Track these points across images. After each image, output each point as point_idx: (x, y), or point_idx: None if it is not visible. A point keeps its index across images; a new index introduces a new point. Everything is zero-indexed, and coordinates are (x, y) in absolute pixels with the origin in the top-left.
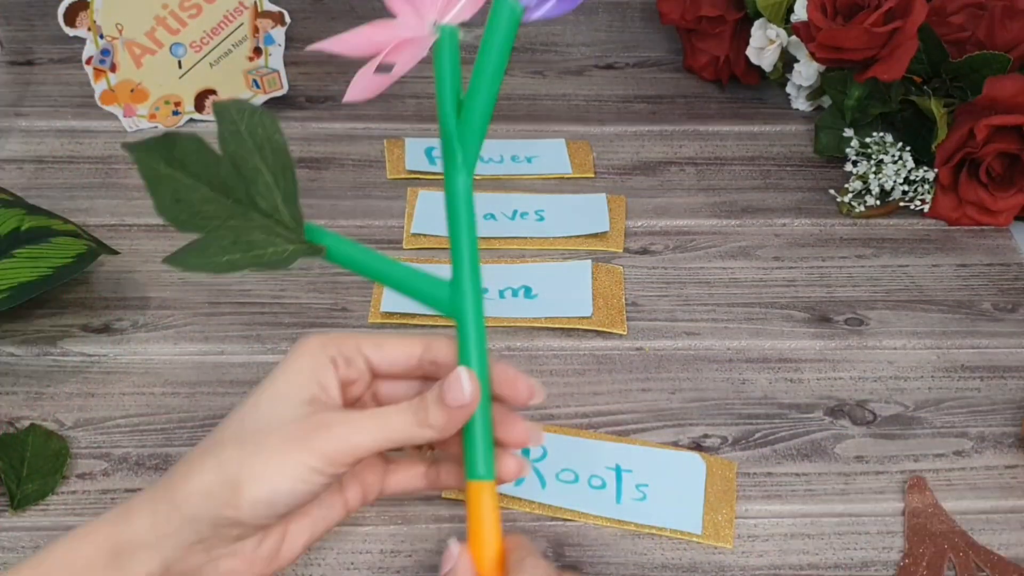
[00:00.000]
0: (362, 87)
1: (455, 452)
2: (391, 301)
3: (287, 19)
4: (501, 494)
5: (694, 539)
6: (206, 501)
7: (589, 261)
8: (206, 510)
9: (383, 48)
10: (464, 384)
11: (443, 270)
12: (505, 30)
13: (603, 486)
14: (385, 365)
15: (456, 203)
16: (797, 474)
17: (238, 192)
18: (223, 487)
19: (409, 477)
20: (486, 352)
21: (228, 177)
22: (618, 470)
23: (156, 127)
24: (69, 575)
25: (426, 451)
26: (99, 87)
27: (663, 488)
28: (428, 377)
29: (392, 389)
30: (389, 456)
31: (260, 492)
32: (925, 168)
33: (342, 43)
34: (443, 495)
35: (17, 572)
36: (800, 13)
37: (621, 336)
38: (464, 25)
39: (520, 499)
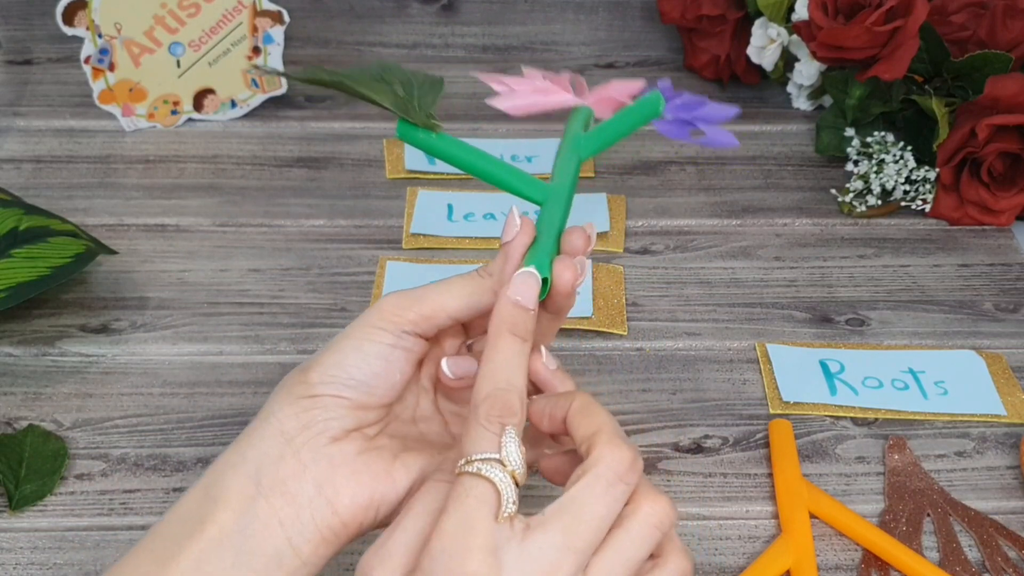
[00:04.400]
0: (516, 105)
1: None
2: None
3: (286, 18)
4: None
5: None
6: (280, 391)
7: (589, 261)
8: (279, 399)
9: (546, 109)
10: (515, 218)
11: (443, 269)
12: (641, 116)
13: (906, 388)
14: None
15: (571, 158)
16: None
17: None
18: (295, 375)
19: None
20: (565, 217)
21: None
22: (911, 373)
23: (154, 127)
24: (175, 525)
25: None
26: (97, 86)
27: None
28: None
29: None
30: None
31: (327, 359)
32: (926, 168)
33: (513, 107)
34: None
35: (147, 537)
36: (801, 12)
37: (621, 336)
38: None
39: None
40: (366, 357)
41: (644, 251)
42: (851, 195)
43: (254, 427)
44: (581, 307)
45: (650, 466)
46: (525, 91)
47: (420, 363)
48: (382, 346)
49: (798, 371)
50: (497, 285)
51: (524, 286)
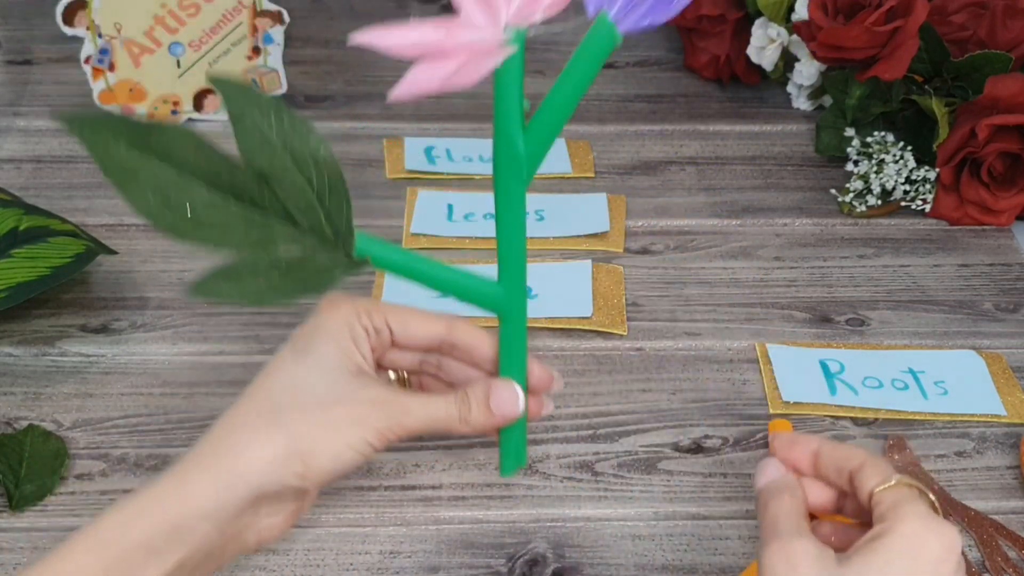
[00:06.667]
0: (411, 86)
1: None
2: (392, 298)
3: (286, 18)
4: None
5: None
6: (276, 470)
7: (589, 261)
8: (275, 479)
9: (435, 51)
10: (518, 401)
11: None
12: (599, 54)
13: (906, 388)
14: (405, 339)
15: (513, 213)
16: None
17: (262, 201)
18: (293, 458)
19: None
20: (526, 355)
21: (246, 185)
22: (911, 373)
23: None
24: (130, 552)
25: None
26: (97, 86)
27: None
28: (436, 350)
29: (398, 356)
30: None
31: (328, 463)
32: (926, 168)
33: (387, 38)
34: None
35: (71, 550)
36: (801, 12)
37: (621, 336)
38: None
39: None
40: (354, 467)
41: (644, 251)
42: (851, 195)
43: (224, 484)
44: (581, 307)
45: (650, 466)
46: (402, 33)
47: None
48: (368, 458)
49: (798, 371)
50: (468, 428)
51: None
